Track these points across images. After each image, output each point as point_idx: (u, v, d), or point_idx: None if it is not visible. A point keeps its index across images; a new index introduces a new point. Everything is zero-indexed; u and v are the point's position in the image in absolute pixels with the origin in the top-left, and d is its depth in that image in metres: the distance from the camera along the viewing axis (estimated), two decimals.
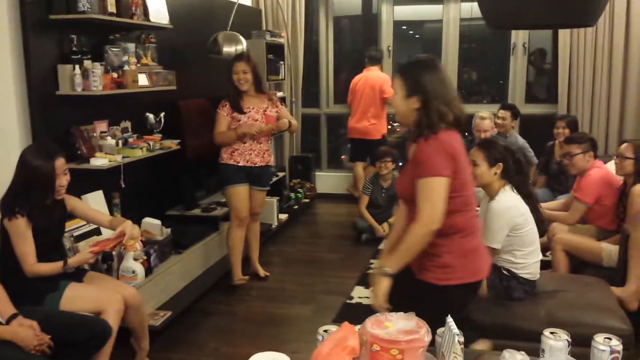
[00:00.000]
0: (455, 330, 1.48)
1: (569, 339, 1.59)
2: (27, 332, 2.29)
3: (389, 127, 6.33)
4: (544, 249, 3.34)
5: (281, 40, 5.96)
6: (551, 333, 1.60)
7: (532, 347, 1.64)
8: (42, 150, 2.63)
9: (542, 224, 2.92)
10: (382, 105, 5.92)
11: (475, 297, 2.21)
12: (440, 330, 1.61)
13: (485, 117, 4.69)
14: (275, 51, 5.79)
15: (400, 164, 5.41)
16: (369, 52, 6.06)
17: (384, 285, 2.01)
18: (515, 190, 2.79)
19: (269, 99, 4.01)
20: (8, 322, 2.33)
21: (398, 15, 6.55)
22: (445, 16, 6.32)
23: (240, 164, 3.92)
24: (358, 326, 1.53)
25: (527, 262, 2.78)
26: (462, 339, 1.50)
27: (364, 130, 5.95)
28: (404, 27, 6.81)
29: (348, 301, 3.81)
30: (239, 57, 3.97)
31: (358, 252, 4.87)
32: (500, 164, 2.77)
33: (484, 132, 4.64)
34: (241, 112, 3.87)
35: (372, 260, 4.57)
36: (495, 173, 2.78)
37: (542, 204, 3.33)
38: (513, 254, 2.77)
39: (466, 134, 6.20)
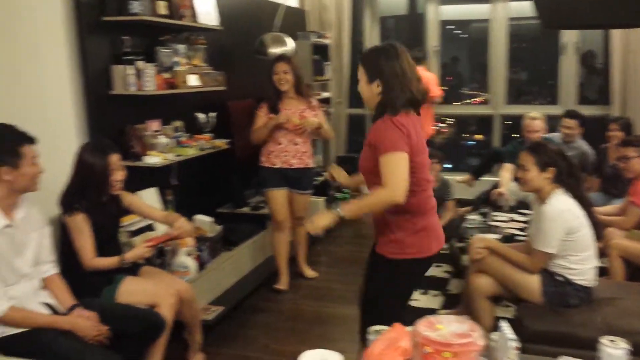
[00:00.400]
0: (510, 335, 1.47)
1: (629, 347, 1.55)
2: (86, 322, 2.38)
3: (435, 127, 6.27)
4: (599, 255, 3.24)
5: (327, 40, 5.99)
6: (609, 341, 1.56)
7: (588, 356, 1.61)
8: (97, 147, 2.72)
9: (598, 227, 2.84)
10: (427, 105, 5.86)
11: (424, 273, 2.35)
12: (494, 335, 1.59)
13: (536, 117, 4.59)
14: (321, 52, 5.82)
15: (447, 165, 5.35)
16: (413, 52, 6.00)
17: (328, 218, 2.18)
18: (568, 194, 2.72)
19: (308, 103, 3.99)
20: (68, 312, 2.43)
21: (444, 15, 6.48)
22: (493, 15, 6.21)
23: (276, 166, 3.91)
24: (409, 328, 1.53)
25: (582, 267, 2.70)
26: (517, 344, 1.48)
27: None
28: (450, 27, 6.73)
29: None
30: (280, 57, 3.98)
31: None
32: (552, 168, 2.70)
33: (534, 133, 4.54)
34: (277, 113, 3.87)
35: None
36: (546, 178, 2.71)
37: (598, 209, 3.23)
38: (567, 259, 2.70)
39: (515, 135, 6.11)
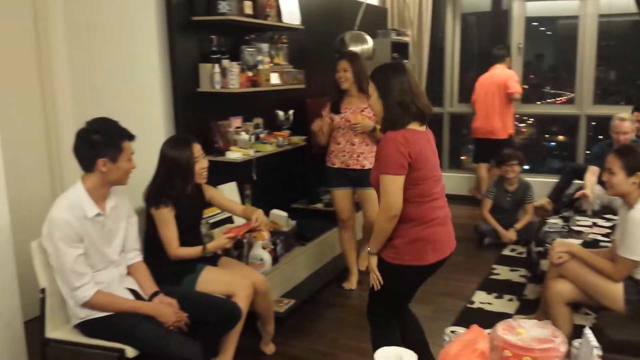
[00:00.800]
0: (594, 342, 1.43)
1: None
2: (167, 309, 2.47)
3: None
4: None
5: (406, 38, 5.95)
6: None
7: None
8: (177, 141, 2.85)
9: None
10: (507, 103, 5.73)
11: (422, 281, 2.45)
12: (576, 342, 1.55)
13: (626, 118, 4.37)
14: (400, 50, 5.78)
15: (526, 166, 5.20)
16: (494, 49, 5.90)
17: (372, 261, 2.41)
18: None
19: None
20: (151, 298, 2.54)
21: (529, 11, 6.28)
22: (582, 12, 5.96)
23: (336, 166, 3.88)
24: (487, 330, 1.52)
25: None
26: (600, 352, 1.44)
27: (490, 130, 5.79)
28: (535, 24, 6.51)
29: (469, 305, 3.74)
30: (343, 55, 3.93)
31: (479, 256, 4.76)
32: None
33: (623, 135, 4.33)
34: (337, 112, 3.84)
35: (494, 266, 4.44)
36: (634, 182, 2.60)
37: None
38: None
39: (601, 137, 5.85)
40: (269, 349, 3.16)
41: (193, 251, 2.81)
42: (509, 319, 1.53)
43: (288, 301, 3.52)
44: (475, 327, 1.51)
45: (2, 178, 2.55)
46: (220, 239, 2.85)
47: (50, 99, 3.45)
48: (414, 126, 2.30)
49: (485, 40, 7.00)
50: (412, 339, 2.55)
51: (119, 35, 3.34)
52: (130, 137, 2.43)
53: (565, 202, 4.66)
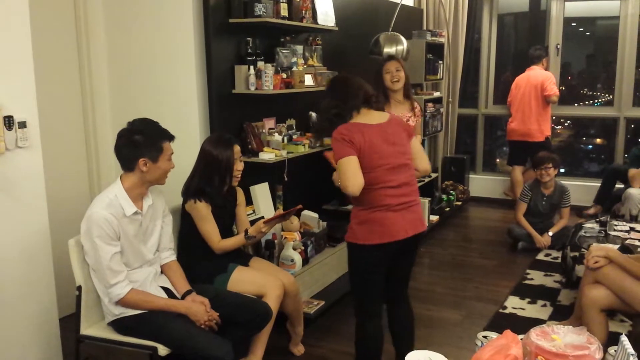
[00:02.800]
0: (631, 350, 1.39)
1: None
2: (199, 307, 2.50)
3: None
4: None
5: (441, 39, 5.90)
6: None
7: None
8: (220, 140, 2.88)
9: None
10: (544, 104, 5.64)
11: (375, 259, 2.52)
12: (612, 349, 1.52)
13: None
14: (435, 51, 5.74)
15: (562, 170, 5.10)
16: (531, 50, 5.81)
17: None
18: None
19: (412, 108, 3.92)
20: (183, 297, 2.58)
21: (568, 12, 6.16)
22: (622, 12, 5.82)
23: None
24: (520, 336, 1.50)
25: None
26: None
27: (526, 132, 5.70)
28: (574, 24, 6.38)
29: (501, 310, 3.69)
30: (391, 57, 3.93)
31: (513, 260, 4.69)
32: None
33: None
34: None
35: (528, 270, 4.37)
36: None
37: None
38: None
39: None
40: (298, 350, 3.17)
41: (236, 240, 2.86)
42: (543, 325, 1.51)
43: (318, 302, 3.53)
44: (508, 332, 1.49)
45: (41, 177, 2.63)
46: (258, 224, 2.83)
47: (89, 100, 3.54)
48: (363, 117, 2.52)
49: (522, 41, 6.89)
50: (399, 327, 2.75)
51: (157, 37, 3.40)
52: (170, 138, 2.48)
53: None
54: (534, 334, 1.44)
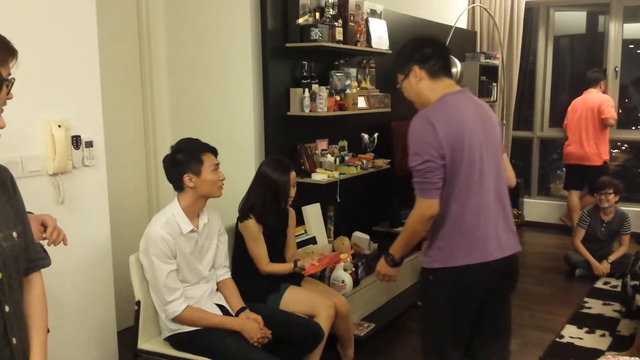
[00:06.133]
0: None
1: None
2: (252, 324, 2.53)
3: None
4: None
5: (496, 61, 5.85)
6: None
7: None
8: (279, 164, 2.94)
9: None
10: (601, 128, 5.48)
11: None
12: None
13: None
14: (489, 73, 5.69)
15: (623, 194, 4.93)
16: (588, 73, 5.68)
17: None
18: None
19: None
20: (237, 314, 2.62)
21: (627, 34, 6.00)
22: None
23: None
24: None
25: None
26: None
27: (583, 156, 5.55)
28: (632, 46, 6.21)
29: (558, 339, 3.57)
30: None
31: (570, 287, 4.55)
32: None
33: None
34: None
35: (586, 299, 4.22)
36: None
37: None
38: None
39: None
40: None
41: (284, 267, 2.90)
42: (608, 354, 1.47)
43: (368, 325, 3.51)
44: None
45: (105, 194, 2.73)
46: (310, 259, 2.89)
47: (150, 120, 3.67)
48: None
49: (579, 63, 6.74)
50: None
51: (216, 60, 3.51)
52: (210, 149, 2.55)
53: None
54: None
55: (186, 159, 2.48)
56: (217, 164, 2.55)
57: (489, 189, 2.10)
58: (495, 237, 2.11)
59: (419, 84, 2.19)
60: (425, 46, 2.22)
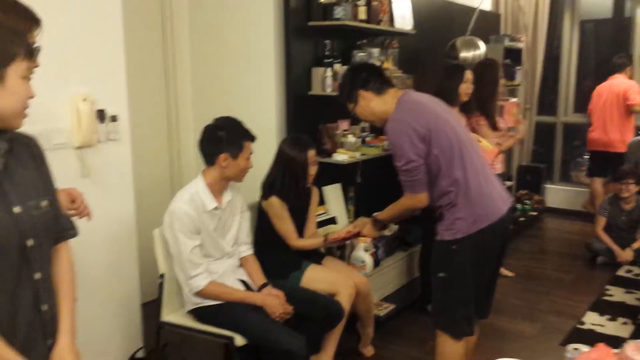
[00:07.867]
0: None
1: None
2: (274, 300, 2.55)
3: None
4: None
5: (520, 44, 5.76)
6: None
7: None
8: (297, 142, 2.92)
9: None
10: (626, 114, 5.38)
11: None
12: None
13: None
14: (513, 56, 5.61)
15: None
16: (614, 58, 5.56)
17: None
18: None
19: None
20: (260, 289, 2.64)
21: None
22: None
23: None
24: (615, 350, 1.44)
25: None
26: None
27: (607, 142, 5.46)
28: None
29: (579, 326, 3.55)
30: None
31: (591, 275, 4.50)
32: None
33: None
34: (495, 129, 3.86)
35: (607, 286, 4.18)
36: None
37: None
38: None
39: None
40: (368, 350, 3.17)
41: (314, 242, 2.93)
42: (631, 342, 1.44)
43: (388, 305, 3.52)
44: (601, 346, 1.43)
45: (130, 169, 2.75)
46: (340, 233, 2.89)
47: (173, 97, 3.68)
48: None
49: (605, 49, 6.61)
50: None
51: (238, 38, 3.50)
52: (252, 138, 2.55)
53: None
54: (630, 349, 1.38)
55: (228, 140, 2.47)
56: (252, 152, 2.56)
57: (471, 155, 2.32)
58: (497, 193, 2.36)
59: (370, 105, 2.40)
60: (360, 71, 2.46)
